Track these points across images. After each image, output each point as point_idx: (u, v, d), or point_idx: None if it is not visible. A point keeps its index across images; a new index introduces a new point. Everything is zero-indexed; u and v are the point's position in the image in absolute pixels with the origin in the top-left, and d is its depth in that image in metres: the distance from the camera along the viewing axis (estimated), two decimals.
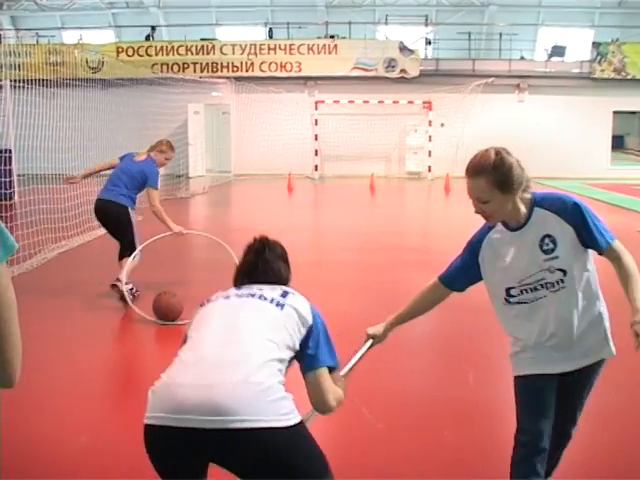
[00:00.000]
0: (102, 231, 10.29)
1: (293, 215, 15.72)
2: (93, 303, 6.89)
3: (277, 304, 2.44)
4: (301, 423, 2.24)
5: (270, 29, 25.19)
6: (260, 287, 2.56)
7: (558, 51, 24.82)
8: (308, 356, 2.41)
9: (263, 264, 2.66)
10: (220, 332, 2.37)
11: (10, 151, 9.70)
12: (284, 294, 2.50)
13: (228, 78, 22.43)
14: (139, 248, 6.82)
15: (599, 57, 23.38)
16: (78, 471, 3.55)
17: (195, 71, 22.75)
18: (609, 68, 23.40)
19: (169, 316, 6.11)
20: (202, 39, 23.70)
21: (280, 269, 2.70)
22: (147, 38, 24.12)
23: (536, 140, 22.52)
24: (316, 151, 22.72)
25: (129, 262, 6.65)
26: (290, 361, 2.39)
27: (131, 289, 6.72)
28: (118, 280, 6.67)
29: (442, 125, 22.42)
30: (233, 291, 2.59)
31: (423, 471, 3.60)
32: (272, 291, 2.52)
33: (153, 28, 24.44)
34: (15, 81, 10.41)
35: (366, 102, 22.21)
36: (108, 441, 3.90)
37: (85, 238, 10.26)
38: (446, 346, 5.91)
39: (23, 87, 10.36)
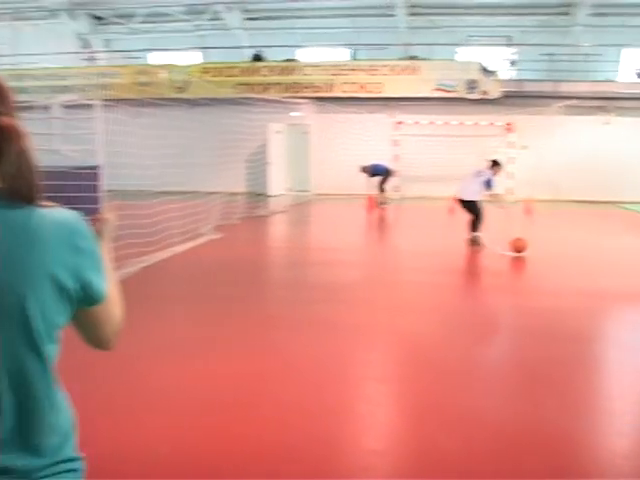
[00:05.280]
0: (181, 248, 10.66)
1: (370, 234, 15.71)
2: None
3: None
4: None
5: (354, 51, 25.40)
6: None
7: None
8: None
9: None
10: None
11: (99, 168, 10.04)
12: None
13: (309, 98, 22.69)
14: None
15: None
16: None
17: (277, 91, 23.13)
18: None
19: None
20: (285, 60, 24.10)
21: None
22: (255, 59, 24.67)
23: (624, 163, 21.90)
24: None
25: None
26: None
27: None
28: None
29: (524, 147, 22.00)
30: None
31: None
32: None
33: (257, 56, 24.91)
34: (106, 100, 10.78)
35: (446, 123, 22.07)
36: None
37: (165, 254, 10.57)
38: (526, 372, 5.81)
39: (112, 106, 10.76)
